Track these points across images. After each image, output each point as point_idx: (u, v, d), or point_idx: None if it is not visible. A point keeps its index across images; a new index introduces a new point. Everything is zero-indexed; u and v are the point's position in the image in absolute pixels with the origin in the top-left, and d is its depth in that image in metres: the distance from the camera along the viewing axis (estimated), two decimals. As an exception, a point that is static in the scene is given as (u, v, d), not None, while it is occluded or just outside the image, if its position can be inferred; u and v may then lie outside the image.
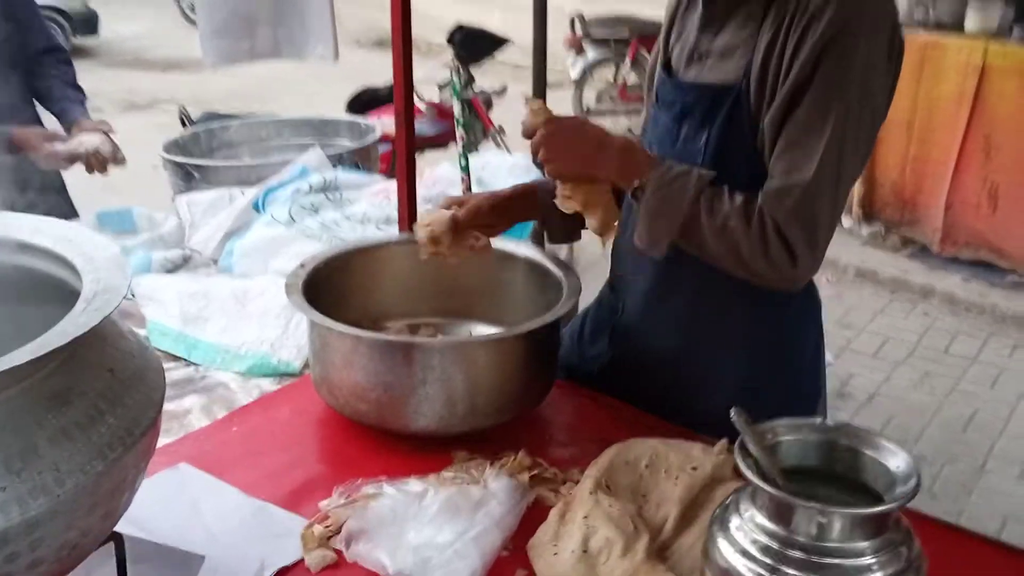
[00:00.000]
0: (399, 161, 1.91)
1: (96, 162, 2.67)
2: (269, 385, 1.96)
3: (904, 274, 5.09)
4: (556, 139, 1.48)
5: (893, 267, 5.20)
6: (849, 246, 5.42)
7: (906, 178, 5.51)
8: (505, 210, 1.73)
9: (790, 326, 1.63)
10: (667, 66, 1.65)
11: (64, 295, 1.07)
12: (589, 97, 8.07)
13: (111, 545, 1.16)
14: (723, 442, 1.43)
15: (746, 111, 1.47)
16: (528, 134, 1.51)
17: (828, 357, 4.11)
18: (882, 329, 4.58)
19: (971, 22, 5.25)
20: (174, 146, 3.37)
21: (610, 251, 1.80)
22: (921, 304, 4.88)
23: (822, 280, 5.14)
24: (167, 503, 1.42)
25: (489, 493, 1.38)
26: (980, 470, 3.46)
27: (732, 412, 1.16)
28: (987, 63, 5.00)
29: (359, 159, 3.16)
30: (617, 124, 8.06)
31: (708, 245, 1.45)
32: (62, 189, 2.89)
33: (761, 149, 1.47)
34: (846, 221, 5.76)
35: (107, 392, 1.01)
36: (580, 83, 7.92)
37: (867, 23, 1.39)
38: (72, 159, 2.69)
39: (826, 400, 1.76)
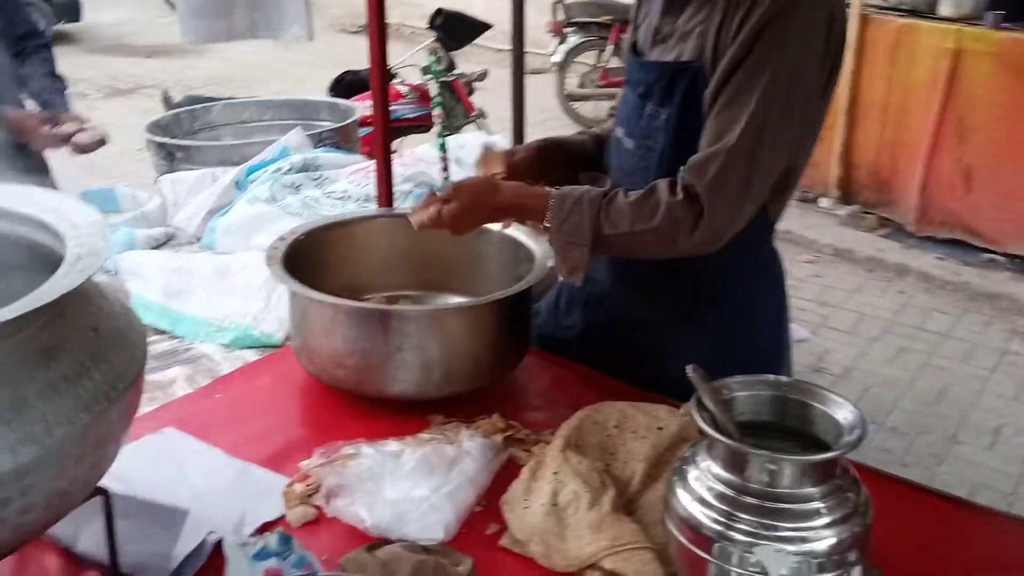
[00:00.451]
0: (375, 139, 1.96)
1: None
2: (252, 356, 2.01)
3: (880, 253, 5.17)
4: (458, 223, 1.59)
5: (870, 246, 5.28)
6: (827, 226, 5.50)
7: (882, 160, 5.58)
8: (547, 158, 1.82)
9: (750, 292, 1.70)
10: (634, 47, 1.72)
11: (52, 261, 1.12)
12: (571, 82, 8.11)
13: (99, 501, 1.22)
14: (689, 403, 1.49)
15: (702, 88, 1.53)
16: (425, 227, 1.61)
17: (805, 333, 4.22)
18: (858, 307, 4.66)
19: (945, 7, 5.31)
20: (157, 127, 3.41)
21: None
22: (897, 282, 4.96)
23: (800, 259, 5.23)
24: (153, 465, 1.48)
25: (463, 452, 1.44)
26: (951, 441, 3.54)
27: (689, 369, 1.22)
28: (961, 47, 5.07)
29: (340, 139, 3.21)
30: (599, 107, 8.11)
31: (626, 250, 1.57)
32: (46, 170, 2.92)
33: None
34: (824, 202, 5.84)
35: (92, 349, 1.06)
36: (562, 68, 7.96)
37: (806, 9, 1.45)
38: (68, 141, 2.72)
39: (791, 364, 1.83)
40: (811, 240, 5.37)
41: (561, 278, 1.61)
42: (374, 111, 1.95)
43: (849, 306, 4.67)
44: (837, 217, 5.63)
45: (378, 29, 1.91)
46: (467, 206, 1.59)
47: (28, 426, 0.96)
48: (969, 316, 4.59)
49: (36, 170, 2.81)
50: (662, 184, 1.50)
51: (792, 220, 5.62)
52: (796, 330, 4.29)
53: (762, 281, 1.72)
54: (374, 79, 1.93)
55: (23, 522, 0.98)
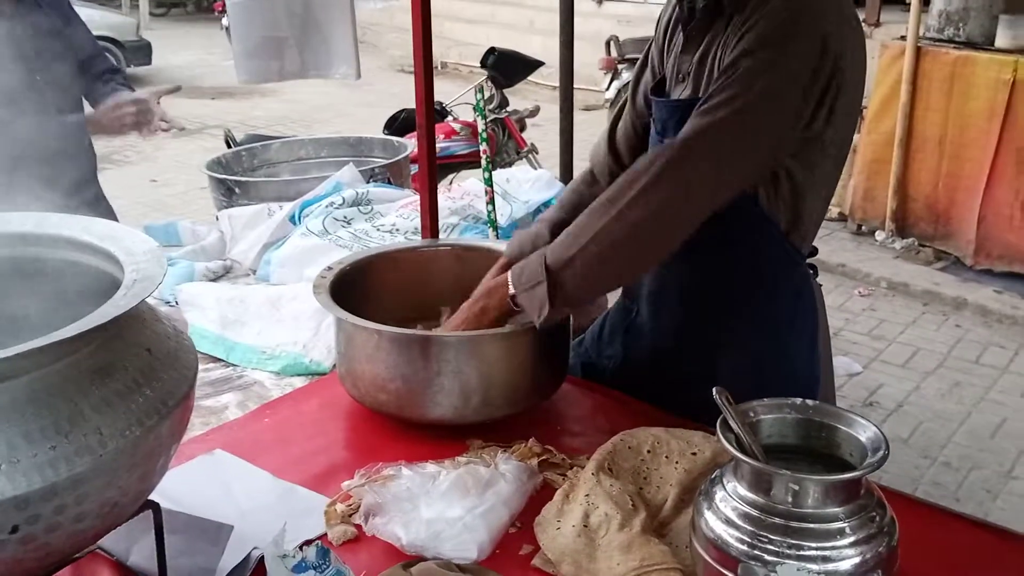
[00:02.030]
0: (420, 171, 2.03)
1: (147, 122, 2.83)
2: (301, 384, 2.07)
3: (936, 287, 5.10)
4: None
5: (926, 280, 5.21)
6: (882, 260, 5.45)
7: (939, 192, 5.53)
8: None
9: (782, 318, 1.72)
10: (659, 89, 1.77)
11: (112, 286, 1.20)
12: (624, 117, 8.18)
13: (149, 516, 1.28)
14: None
15: None
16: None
17: (856, 367, 4.18)
18: (913, 340, 4.60)
19: (1002, 39, 5.29)
20: (217, 164, 3.53)
21: None
22: (953, 316, 4.89)
23: (855, 293, 5.19)
24: (203, 484, 1.54)
25: (498, 474, 1.48)
26: (1007, 476, 3.47)
27: (714, 391, 1.25)
28: (1017, 78, 5.04)
29: (391, 175, 3.29)
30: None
31: (614, 249, 1.53)
32: (105, 201, 3.05)
33: None
34: (879, 235, 5.79)
35: (145, 368, 1.13)
36: (615, 103, 8.02)
37: (791, 38, 1.48)
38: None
39: (833, 392, 1.84)
40: (866, 273, 5.33)
41: (538, 322, 1.59)
42: (419, 145, 2.02)
43: (903, 340, 4.61)
44: (892, 250, 5.58)
45: (424, 66, 1.98)
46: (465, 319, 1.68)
47: (83, 438, 1.02)
48: (1028, 350, 4.51)
49: (95, 202, 2.93)
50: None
51: (846, 253, 5.58)
52: (848, 364, 4.27)
53: (794, 307, 1.73)
54: (420, 114, 2.01)
55: (78, 529, 1.05)
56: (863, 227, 5.92)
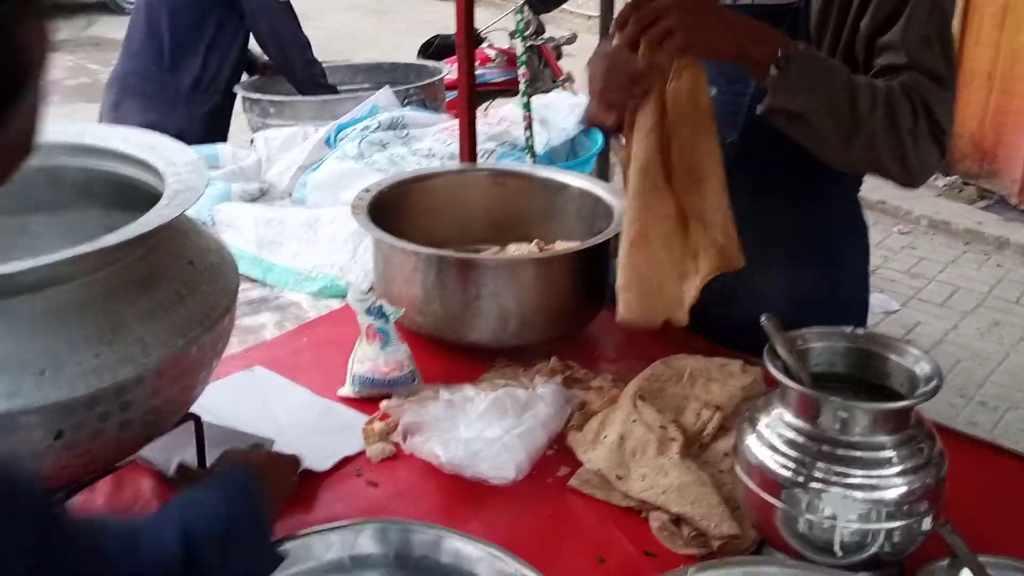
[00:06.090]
0: (460, 94, 1.99)
1: None
2: (338, 305, 2.07)
3: (979, 226, 5.00)
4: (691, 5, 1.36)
5: (968, 219, 5.10)
6: (923, 197, 5.33)
7: (986, 129, 5.38)
8: None
9: (835, 242, 1.68)
10: None
11: (151, 198, 1.18)
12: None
13: (191, 427, 1.29)
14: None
15: (803, 29, 1.52)
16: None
17: (894, 304, 4.11)
18: (953, 279, 4.52)
19: (1059, -33, 5.09)
20: (252, 86, 3.50)
21: None
22: (995, 255, 4.80)
23: (894, 230, 5.10)
24: (242, 399, 1.54)
25: (536, 396, 1.48)
26: (1045, 417, 3.44)
27: (762, 318, 1.22)
28: (1074, 9, 4.86)
29: (426, 98, 3.25)
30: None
31: (862, 116, 1.41)
32: None
33: None
34: (921, 172, 5.66)
35: (187, 280, 1.12)
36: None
37: None
38: None
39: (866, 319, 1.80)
40: (906, 211, 5.22)
41: (770, 108, 1.42)
42: (458, 64, 1.97)
43: (943, 278, 4.53)
44: (935, 188, 5.45)
45: (466, -12, 1.93)
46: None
47: (127, 347, 1.02)
48: (1070, 291, 4.42)
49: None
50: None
51: (886, 190, 5.41)
52: (885, 301, 4.21)
53: (846, 237, 1.69)
54: (460, 32, 1.96)
55: (123, 437, 1.05)
56: (905, 164, 5.78)
